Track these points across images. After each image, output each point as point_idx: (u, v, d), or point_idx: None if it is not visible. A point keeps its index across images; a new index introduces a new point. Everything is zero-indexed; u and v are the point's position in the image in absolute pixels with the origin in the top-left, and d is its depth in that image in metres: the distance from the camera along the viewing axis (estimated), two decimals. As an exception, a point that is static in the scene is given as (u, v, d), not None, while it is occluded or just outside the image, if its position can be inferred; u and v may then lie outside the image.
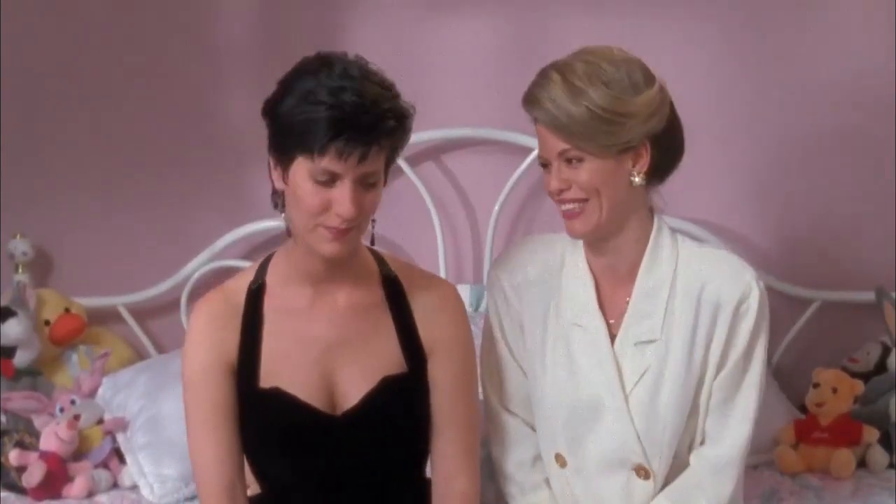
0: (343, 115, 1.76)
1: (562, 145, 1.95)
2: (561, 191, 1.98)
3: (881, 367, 2.97)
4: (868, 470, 2.79)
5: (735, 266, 2.03)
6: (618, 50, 1.99)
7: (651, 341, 2.00)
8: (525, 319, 2.08)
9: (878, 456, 2.79)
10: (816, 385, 2.84)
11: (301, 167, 1.80)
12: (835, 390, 2.83)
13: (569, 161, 1.96)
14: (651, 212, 2.06)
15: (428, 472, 2.03)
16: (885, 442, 2.80)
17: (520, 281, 2.09)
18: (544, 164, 2.01)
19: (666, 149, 2.00)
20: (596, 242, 2.04)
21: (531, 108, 1.98)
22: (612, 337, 2.02)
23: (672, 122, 2.01)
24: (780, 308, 3.15)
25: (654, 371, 1.99)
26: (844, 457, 2.74)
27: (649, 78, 1.97)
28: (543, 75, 1.97)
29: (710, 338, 1.99)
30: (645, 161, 1.97)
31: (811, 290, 3.10)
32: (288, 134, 1.80)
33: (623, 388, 2.00)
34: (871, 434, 2.79)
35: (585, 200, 1.97)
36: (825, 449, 2.77)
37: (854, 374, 2.90)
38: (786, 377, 3.06)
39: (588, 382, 2.01)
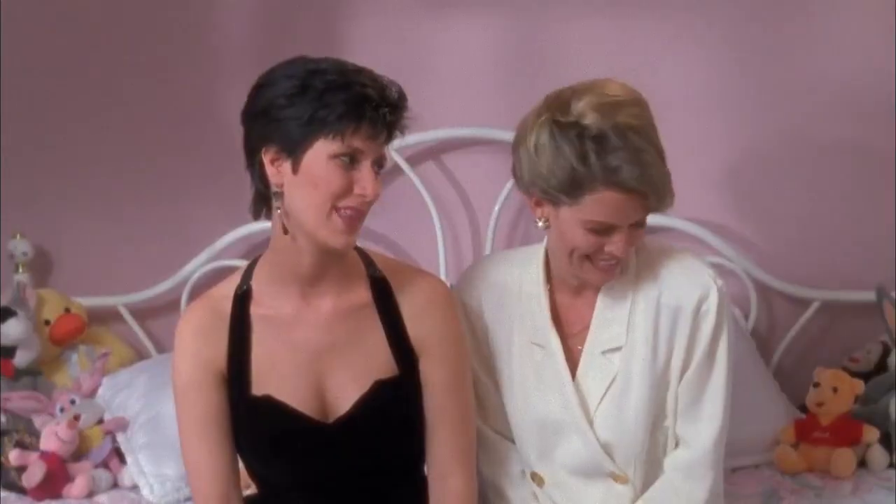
0: (368, 95, 1.78)
1: (643, 213, 1.92)
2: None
3: (881, 366, 2.97)
4: (868, 469, 2.78)
5: (692, 268, 2.01)
6: (629, 87, 1.95)
7: (617, 349, 1.99)
8: (490, 337, 2.07)
9: (879, 455, 2.79)
10: (817, 385, 2.84)
11: (322, 150, 1.79)
12: (835, 390, 2.82)
13: (632, 225, 1.93)
14: None
15: (425, 470, 2.03)
16: (885, 441, 2.80)
17: (479, 305, 2.07)
18: (602, 230, 1.92)
19: None
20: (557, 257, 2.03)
21: (635, 181, 1.86)
22: (576, 351, 2.02)
23: None
24: (780, 308, 3.15)
25: (622, 378, 1.99)
26: (845, 456, 2.74)
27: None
28: (622, 138, 1.85)
29: (673, 342, 1.98)
30: None
31: (811, 290, 3.10)
32: (302, 123, 1.78)
33: (585, 405, 1.99)
34: (872, 434, 2.79)
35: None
36: (825, 449, 2.77)
37: (854, 374, 2.90)
38: (786, 377, 3.06)
39: (548, 403, 2.01)
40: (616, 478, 2.01)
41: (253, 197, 1.92)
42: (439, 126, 3.04)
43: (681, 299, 1.98)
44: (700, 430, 2.00)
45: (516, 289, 2.06)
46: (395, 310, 1.95)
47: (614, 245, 1.91)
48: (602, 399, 1.99)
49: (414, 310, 1.95)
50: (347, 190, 1.80)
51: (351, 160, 1.79)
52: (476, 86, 3.14)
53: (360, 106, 1.77)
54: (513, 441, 2.09)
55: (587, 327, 2.02)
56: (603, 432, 1.99)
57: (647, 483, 2.03)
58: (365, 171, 1.80)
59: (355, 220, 1.82)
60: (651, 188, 1.88)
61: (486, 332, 2.07)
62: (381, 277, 1.96)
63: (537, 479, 2.06)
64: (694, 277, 1.99)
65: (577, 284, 2.03)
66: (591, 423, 1.99)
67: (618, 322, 2.00)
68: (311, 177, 1.80)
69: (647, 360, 1.98)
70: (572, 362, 2.02)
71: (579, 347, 2.02)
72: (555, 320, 2.03)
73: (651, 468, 2.03)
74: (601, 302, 2.01)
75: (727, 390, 2.01)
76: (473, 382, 2.06)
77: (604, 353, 2.00)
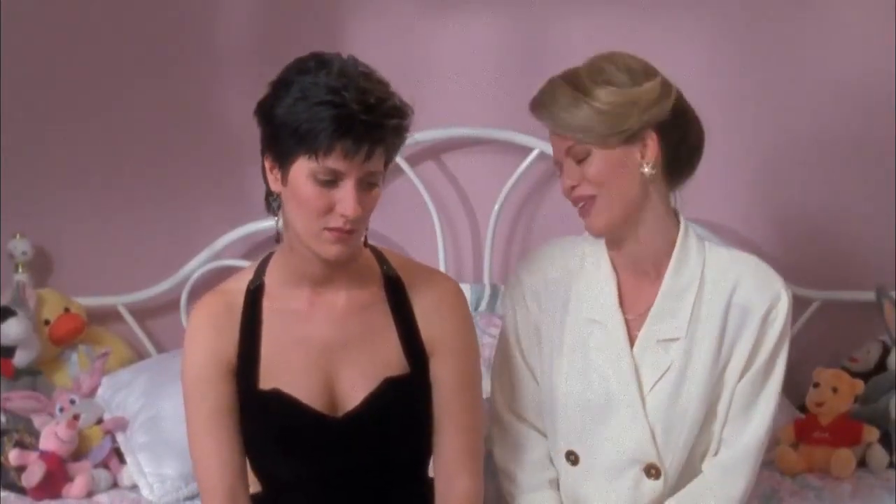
0: (348, 113, 1.74)
1: (567, 142, 1.99)
2: (572, 188, 2.01)
3: (881, 366, 2.97)
4: (868, 470, 2.78)
5: (765, 273, 2.05)
6: (620, 53, 2.03)
7: (675, 339, 2.01)
8: (542, 322, 2.09)
9: (879, 455, 2.79)
10: (816, 385, 2.84)
11: (302, 168, 1.78)
12: (835, 390, 2.82)
13: (577, 159, 1.99)
14: (675, 213, 2.08)
15: (431, 471, 2.02)
16: (885, 441, 2.80)
17: (539, 283, 2.10)
18: (559, 167, 2.04)
19: (677, 142, 2.03)
20: (617, 240, 2.05)
21: (537, 115, 2.02)
22: (633, 335, 2.03)
23: (682, 115, 2.04)
24: (780, 308, 3.16)
25: (677, 369, 2.00)
26: (844, 456, 2.74)
27: (650, 72, 2.01)
28: (549, 82, 2.02)
29: (736, 342, 2.01)
30: (653, 151, 1.99)
31: (811, 290, 3.09)
32: (289, 134, 1.78)
33: (640, 386, 2.00)
34: (872, 434, 2.79)
35: (593, 198, 2.00)
36: (825, 449, 2.77)
37: (854, 374, 2.90)
38: (786, 377, 3.03)
39: (602, 379, 2.02)
40: (650, 472, 2.01)
41: (265, 195, 1.91)
42: (439, 126, 3.04)
43: (752, 301, 2.01)
44: (746, 433, 2.02)
45: (577, 267, 2.09)
46: (407, 308, 1.95)
47: None
48: (655, 385, 2.00)
49: (427, 309, 1.95)
50: (329, 209, 1.79)
51: (331, 180, 1.78)
52: (476, 86, 3.14)
53: (338, 125, 1.74)
54: (536, 429, 2.10)
55: (646, 312, 2.03)
56: (652, 415, 2.00)
57: (681, 483, 2.03)
58: (347, 190, 1.78)
59: (345, 236, 1.82)
60: None
61: (540, 310, 2.09)
62: (394, 275, 1.97)
63: (573, 456, 2.05)
64: (767, 283, 2.03)
65: (643, 266, 2.05)
66: (643, 402, 2.00)
67: (681, 314, 2.01)
68: (294, 192, 1.81)
69: (708, 357, 2.00)
70: (630, 344, 2.04)
71: (636, 332, 2.03)
72: (619, 301, 2.06)
73: (688, 468, 2.03)
74: (665, 290, 2.03)
75: (778, 399, 2.05)
76: (509, 367, 2.09)
77: (659, 341, 2.01)
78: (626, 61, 2.01)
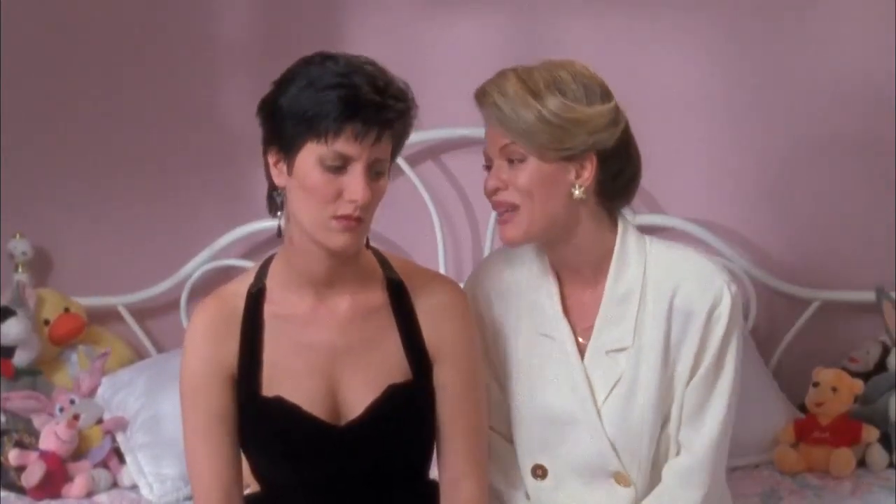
0: (357, 94, 1.73)
1: (504, 140, 1.93)
2: (496, 190, 1.95)
3: (881, 366, 2.97)
4: (868, 469, 2.79)
5: (706, 271, 1.98)
6: (581, 66, 1.97)
7: (622, 349, 1.97)
8: (498, 332, 2.06)
9: (878, 455, 2.79)
10: (816, 385, 2.84)
11: (310, 154, 1.76)
12: (834, 390, 2.82)
13: (510, 162, 1.94)
14: (614, 219, 2.02)
15: (432, 474, 2.01)
16: (884, 441, 2.80)
17: (490, 295, 2.06)
18: (488, 165, 1.99)
19: (616, 171, 1.97)
20: (554, 249, 2.01)
21: (481, 103, 1.97)
22: (582, 346, 2.00)
23: (626, 145, 1.97)
24: (780, 308, 3.15)
25: (628, 379, 1.96)
26: (844, 456, 2.74)
27: (606, 95, 1.95)
28: (500, 73, 1.97)
29: (681, 344, 1.96)
30: (588, 175, 1.93)
31: (811, 290, 3.10)
32: (295, 122, 1.76)
33: (594, 399, 1.97)
34: (871, 433, 2.79)
35: (516, 207, 1.94)
36: (825, 448, 2.77)
37: (854, 374, 2.90)
38: (786, 377, 3.05)
39: (558, 394, 1.99)
40: (619, 479, 1.99)
41: (267, 193, 1.89)
42: (439, 126, 3.04)
43: (693, 304, 1.95)
44: (701, 435, 1.97)
45: (524, 281, 2.05)
46: (410, 313, 1.93)
47: None
48: (607, 398, 1.97)
49: (430, 314, 1.93)
50: (337, 196, 1.77)
51: (339, 165, 1.76)
52: (476, 86, 3.13)
53: (347, 106, 1.73)
54: (509, 440, 2.08)
55: (593, 322, 2.00)
56: (609, 429, 1.97)
57: (650, 488, 2.00)
58: (355, 175, 1.76)
59: (353, 224, 1.79)
60: None
61: (494, 327, 2.06)
62: (397, 280, 1.94)
63: (540, 471, 2.03)
64: (708, 282, 1.96)
65: (583, 274, 2.01)
66: (599, 416, 1.98)
67: (625, 322, 1.97)
68: (302, 181, 1.78)
69: (657, 364, 1.95)
70: (580, 355, 2.00)
71: (585, 343, 2.00)
72: (564, 312, 2.02)
73: (655, 473, 2.01)
74: (607, 299, 1.98)
75: (732, 397, 1.99)
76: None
77: (608, 352, 1.98)
78: (585, 76, 1.95)
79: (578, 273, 2.01)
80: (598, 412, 1.97)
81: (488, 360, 2.06)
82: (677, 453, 2.01)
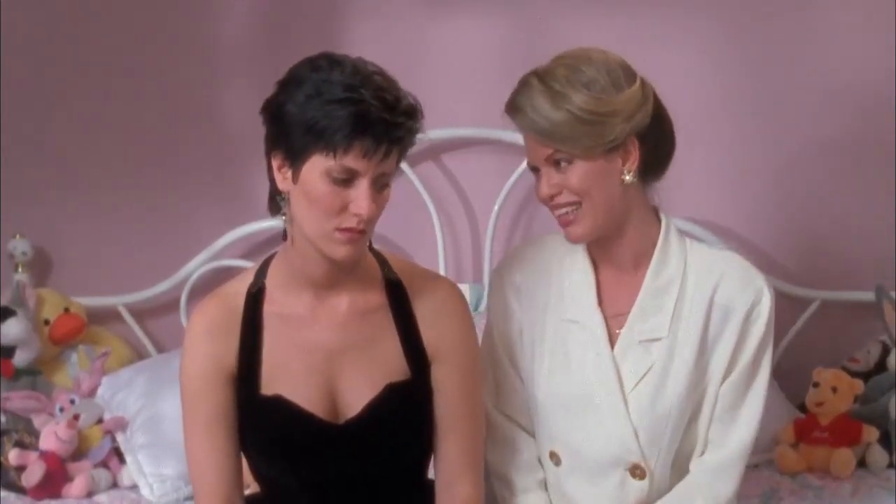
0: (367, 111, 1.72)
1: (548, 150, 1.95)
2: (552, 196, 1.97)
3: (881, 366, 2.97)
4: (868, 469, 2.79)
5: (747, 271, 2.02)
6: (596, 51, 1.98)
7: (657, 339, 1.99)
8: (525, 321, 2.07)
9: (878, 455, 2.79)
10: (816, 385, 2.84)
11: (317, 166, 1.75)
12: (834, 390, 2.83)
13: (557, 164, 1.95)
14: (656, 211, 2.05)
15: (431, 474, 2.01)
16: (884, 441, 2.80)
17: (520, 282, 2.07)
18: (534, 169, 2.00)
19: (655, 144, 1.99)
20: (601, 239, 2.02)
21: (514, 117, 1.97)
22: (613, 334, 2.01)
23: (658, 116, 1.99)
24: (780, 308, 3.12)
25: (659, 369, 1.98)
26: (844, 456, 2.74)
27: (630, 75, 1.96)
28: (523, 83, 1.98)
29: (718, 341, 1.98)
30: (634, 158, 1.96)
31: (811, 290, 3.10)
32: (302, 132, 1.75)
33: (622, 386, 1.98)
34: (871, 433, 2.79)
35: (578, 204, 1.96)
36: (825, 448, 2.77)
37: (854, 374, 2.90)
38: (786, 377, 3.05)
39: (583, 380, 2.00)
40: (635, 472, 1.99)
41: (269, 194, 1.89)
42: (439, 126, 3.03)
43: (733, 300, 1.98)
44: (734, 434, 1.99)
45: (556, 266, 2.06)
46: (409, 313, 1.93)
47: None
48: (636, 386, 1.98)
49: (429, 314, 1.93)
50: (342, 208, 1.77)
51: (346, 178, 1.76)
52: (476, 86, 3.14)
53: (357, 123, 1.72)
54: (525, 429, 2.08)
55: (627, 311, 2.01)
56: (635, 416, 1.98)
57: (666, 483, 2.01)
58: (361, 189, 1.76)
59: (356, 236, 1.79)
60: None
61: (521, 309, 2.07)
62: (396, 280, 1.94)
63: (555, 457, 2.04)
64: (749, 281, 1.99)
65: (623, 264, 2.03)
66: (625, 403, 1.98)
67: (662, 313, 1.99)
68: (307, 190, 1.78)
69: (690, 357, 1.97)
70: (610, 343, 2.01)
71: (617, 331, 2.01)
72: (598, 298, 2.03)
73: (674, 469, 2.02)
74: (646, 289, 2.00)
75: (765, 398, 2.01)
76: (494, 367, 2.07)
77: (641, 342, 1.99)
78: (605, 63, 1.95)
79: (617, 263, 2.03)
80: (625, 399, 1.98)
81: (511, 344, 2.07)
82: (702, 451, 2.02)
